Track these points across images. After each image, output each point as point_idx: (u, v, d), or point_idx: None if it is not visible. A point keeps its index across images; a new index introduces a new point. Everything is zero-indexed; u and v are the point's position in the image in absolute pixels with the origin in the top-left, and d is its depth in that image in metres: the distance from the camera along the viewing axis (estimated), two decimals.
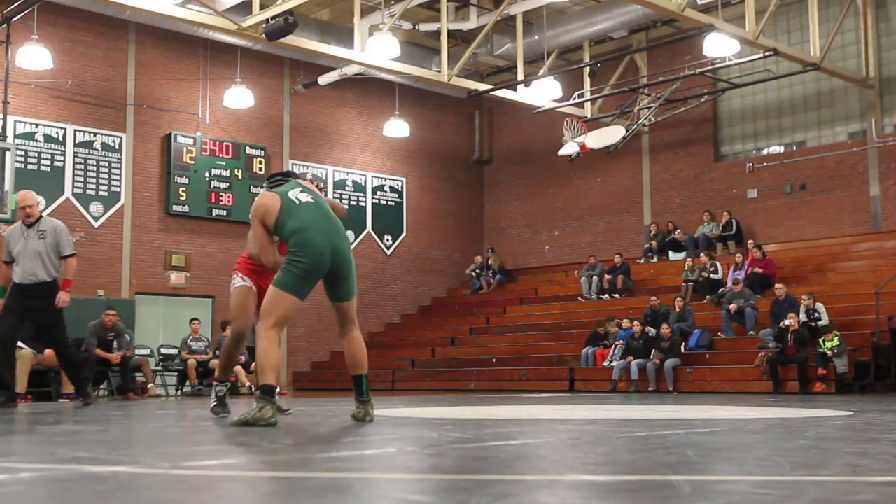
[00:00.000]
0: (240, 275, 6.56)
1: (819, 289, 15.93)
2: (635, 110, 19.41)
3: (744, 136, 19.49)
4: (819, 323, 13.63)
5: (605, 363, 15.60)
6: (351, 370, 5.73)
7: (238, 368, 15.40)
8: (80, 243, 17.10)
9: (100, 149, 17.49)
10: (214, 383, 6.77)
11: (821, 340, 13.27)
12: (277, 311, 5.44)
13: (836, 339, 13.18)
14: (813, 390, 12.96)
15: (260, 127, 19.58)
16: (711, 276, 16.90)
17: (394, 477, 3.03)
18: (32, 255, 8.88)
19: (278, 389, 6.44)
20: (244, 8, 14.93)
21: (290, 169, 6.74)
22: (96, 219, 17.31)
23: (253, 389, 15.43)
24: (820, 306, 13.86)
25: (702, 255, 17.49)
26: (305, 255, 5.40)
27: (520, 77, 17.92)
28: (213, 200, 18.57)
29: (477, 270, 21.73)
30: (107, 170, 17.53)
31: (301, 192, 5.69)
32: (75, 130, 17.22)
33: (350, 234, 20.52)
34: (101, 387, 13.74)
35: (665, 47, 18.65)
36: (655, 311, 15.59)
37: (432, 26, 17.93)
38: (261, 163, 19.24)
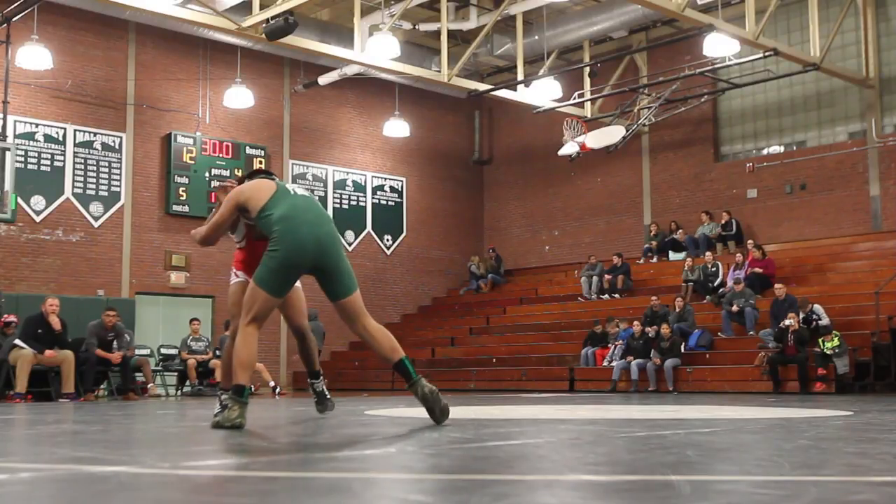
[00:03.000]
0: (234, 270, 6.32)
1: (819, 289, 15.95)
2: (635, 110, 19.41)
3: (744, 136, 19.48)
4: (819, 323, 13.64)
5: (605, 363, 15.61)
6: (389, 359, 5.27)
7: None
8: (80, 243, 17.14)
9: (100, 149, 17.49)
10: (219, 391, 6.45)
11: (821, 340, 13.27)
12: (254, 307, 5.17)
13: (836, 339, 13.17)
14: (813, 390, 12.96)
15: (260, 127, 19.58)
16: (711, 278, 16.90)
17: (394, 477, 3.03)
18: None
19: (251, 389, 6.32)
20: (244, 8, 14.93)
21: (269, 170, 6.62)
22: (96, 219, 17.31)
23: (253, 389, 15.45)
24: (818, 308, 13.85)
25: (706, 254, 17.46)
26: (283, 245, 5.09)
27: (520, 77, 17.92)
28: (213, 200, 18.51)
29: (477, 273, 21.70)
30: (107, 170, 17.53)
31: (297, 187, 5.56)
32: (75, 130, 17.22)
33: (350, 234, 20.55)
34: (102, 387, 13.75)
35: (665, 47, 18.65)
36: (655, 312, 15.59)
37: (432, 26, 17.93)
38: (261, 163, 19.24)
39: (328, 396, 6.74)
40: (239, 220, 5.92)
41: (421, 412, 5.37)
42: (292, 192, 5.36)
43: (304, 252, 5.12)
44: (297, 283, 6.24)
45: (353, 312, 5.35)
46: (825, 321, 13.67)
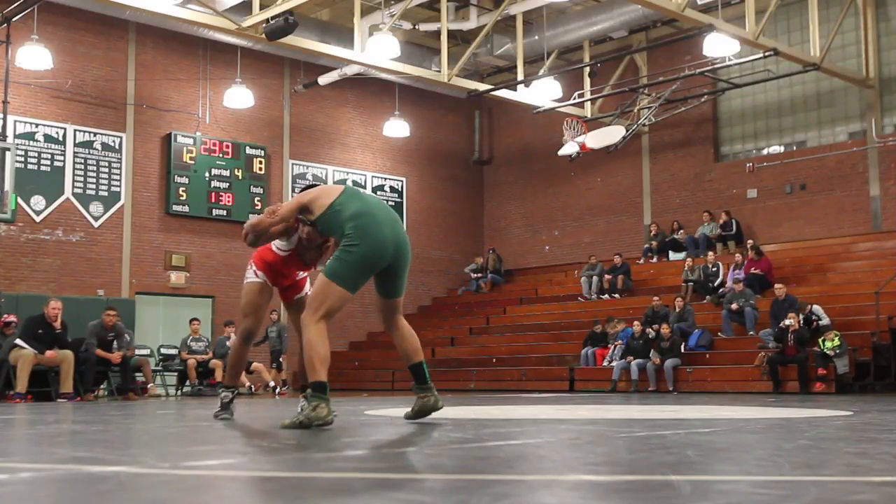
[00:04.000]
0: (254, 268, 6.02)
1: (819, 289, 15.95)
2: (635, 110, 19.41)
3: (744, 136, 19.48)
4: (820, 323, 13.64)
5: (605, 363, 15.61)
6: (409, 359, 5.42)
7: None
8: (80, 243, 17.14)
9: (100, 149, 17.49)
10: (221, 389, 6.36)
11: (821, 340, 13.28)
12: (326, 303, 5.02)
13: (836, 339, 13.17)
14: (813, 390, 12.96)
15: (260, 127, 19.58)
16: (711, 278, 16.90)
17: (394, 477, 3.03)
18: None
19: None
20: (244, 8, 14.93)
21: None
22: (96, 219, 17.31)
23: (253, 389, 15.46)
24: (817, 308, 13.86)
25: (707, 254, 17.46)
26: (363, 241, 4.97)
27: (520, 77, 17.92)
28: (213, 200, 18.57)
29: (478, 273, 21.70)
30: (107, 170, 17.53)
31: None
32: (75, 130, 17.22)
33: None
34: (102, 387, 13.75)
35: (665, 47, 18.65)
36: (655, 312, 15.59)
37: (432, 26, 17.93)
38: (261, 163, 19.25)
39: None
40: (296, 228, 5.76)
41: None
42: (361, 191, 5.34)
43: (384, 251, 5.06)
44: (310, 291, 6.27)
45: (396, 310, 5.42)
46: (825, 321, 13.68)
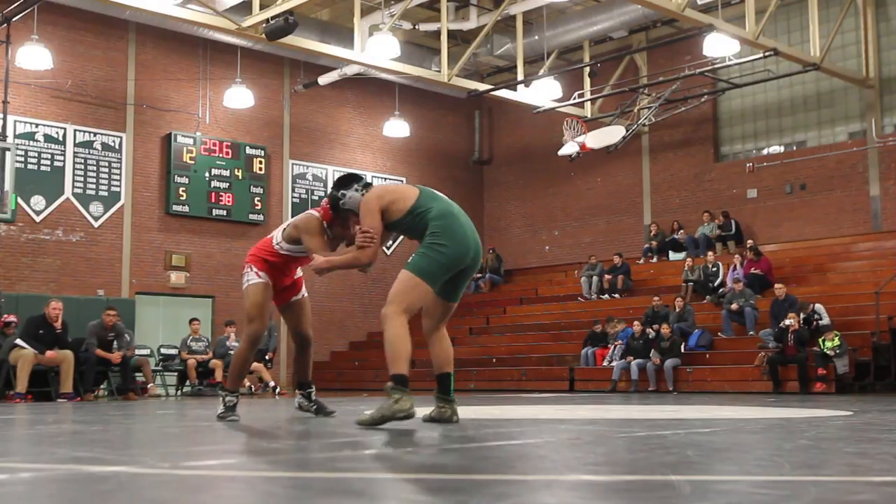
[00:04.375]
0: (254, 269, 5.86)
1: (819, 289, 15.95)
2: (635, 110, 19.41)
3: (744, 136, 19.48)
4: (820, 322, 13.64)
5: (605, 363, 15.61)
6: (441, 368, 5.44)
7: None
8: (80, 243, 17.13)
9: (100, 149, 17.49)
10: (223, 393, 6.09)
11: (821, 340, 13.28)
12: (409, 297, 5.02)
13: (836, 339, 13.17)
14: (813, 390, 12.96)
15: (260, 127, 19.58)
16: (711, 278, 16.90)
17: (394, 477, 3.03)
18: None
19: (314, 390, 6.28)
20: (244, 8, 14.93)
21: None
22: (96, 219, 17.31)
23: (253, 390, 15.46)
24: (819, 307, 13.86)
25: (707, 254, 17.46)
26: (449, 241, 4.99)
27: (520, 77, 17.92)
28: (213, 200, 18.57)
29: (478, 274, 21.69)
30: (107, 170, 17.53)
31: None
32: (75, 130, 17.22)
33: None
34: (101, 387, 13.75)
35: (665, 47, 18.65)
36: (655, 312, 15.59)
37: (432, 26, 17.93)
38: (261, 163, 19.24)
39: (324, 406, 6.45)
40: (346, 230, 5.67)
41: (421, 412, 5.37)
42: (437, 193, 5.31)
43: (467, 252, 5.08)
44: (306, 294, 6.25)
45: (448, 315, 5.45)
46: (826, 321, 13.69)
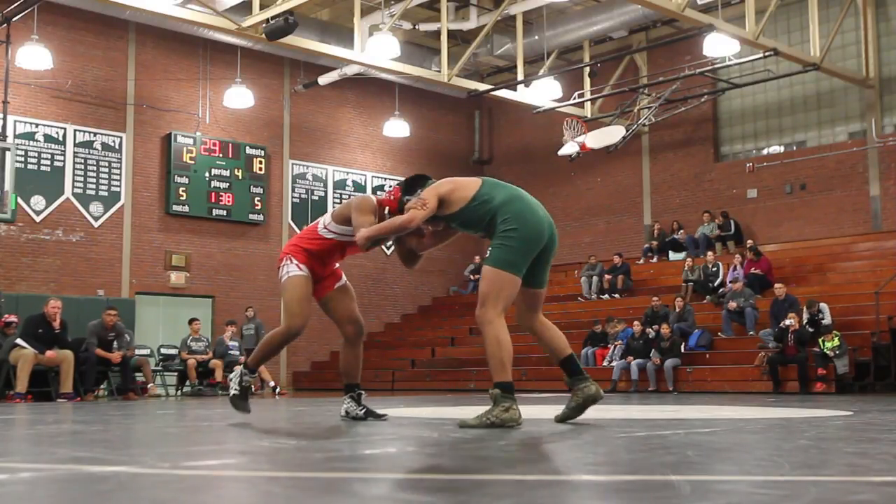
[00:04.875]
0: (294, 261, 5.46)
1: (819, 289, 15.95)
2: (635, 110, 19.41)
3: (744, 136, 19.49)
4: (822, 322, 13.64)
5: (605, 363, 15.61)
6: (561, 353, 5.28)
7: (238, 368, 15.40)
8: (80, 243, 17.13)
9: (100, 149, 17.49)
10: (242, 370, 5.76)
11: (821, 341, 13.28)
12: (502, 293, 4.89)
13: (836, 339, 13.18)
14: (813, 390, 12.96)
15: (260, 127, 19.58)
16: (711, 278, 16.90)
17: (394, 477, 3.03)
18: None
19: (363, 393, 5.81)
20: (244, 8, 14.93)
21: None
22: (96, 219, 17.31)
23: (254, 390, 15.44)
24: (824, 306, 13.86)
25: (707, 254, 17.46)
26: (521, 224, 4.87)
27: (520, 77, 17.92)
28: (213, 200, 18.57)
29: (478, 275, 21.67)
30: (107, 170, 17.53)
31: None
32: (75, 130, 17.22)
33: None
34: (102, 387, 13.75)
35: (665, 47, 18.65)
36: (655, 312, 15.59)
37: (432, 26, 17.93)
38: (261, 163, 19.25)
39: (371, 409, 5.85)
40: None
41: (421, 412, 5.37)
42: (499, 181, 5.20)
43: (542, 231, 4.99)
44: (345, 278, 5.80)
45: (540, 302, 5.28)
46: (828, 320, 13.69)
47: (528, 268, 5.01)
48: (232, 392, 5.78)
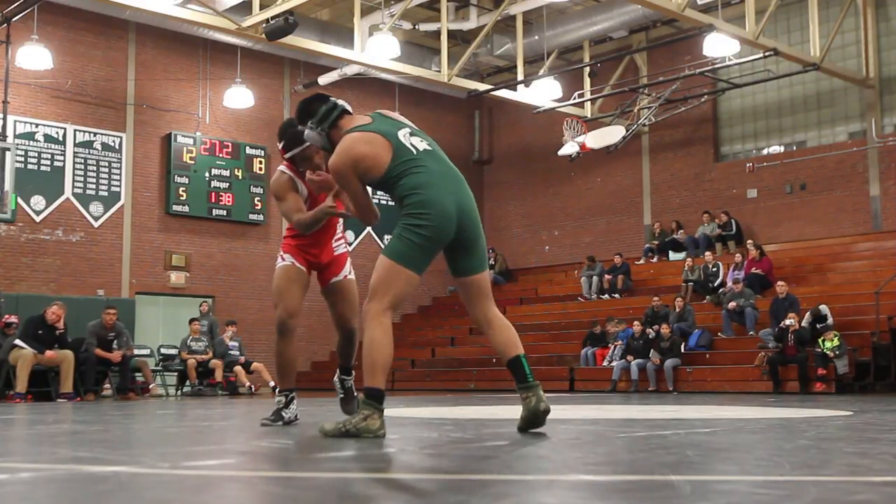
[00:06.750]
0: (281, 253, 5.34)
1: (819, 289, 15.95)
2: (635, 110, 19.41)
3: (744, 136, 19.49)
4: (826, 322, 13.66)
5: (605, 363, 15.61)
6: (506, 353, 4.58)
7: (238, 368, 15.40)
8: (80, 243, 17.13)
9: (100, 149, 17.48)
10: (276, 395, 5.58)
11: (821, 341, 13.28)
12: (392, 289, 4.35)
13: (836, 339, 13.18)
14: (813, 390, 12.96)
15: (260, 127, 19.57)
16: (711, 278, 16.90)
17: (394, 477, 3.03)
18: None
19: (351, 377, 5.54)
20: (244, 8, 14.93)
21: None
22: (96, 219, 17.30)
23: (254, 390, 15.45)
24: (824, 307, 13.87)
25: (706, 254, 17.46)
26: (429, 219, 4.29)
27: (520, 77, 17.92)
28: (213, 200, 18.57)
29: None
30: (107, 170, 17.53)
31: (412, 135, 4.49)
32: (75, 130, 17.22)
33: (350, 235, 20.53)
34: (105, 386, 13.74)
35: (665, 47, 18.65)
36: (655, 312, 15.59)
37: (432, 26, 17.93)
38: (261, 163, 19.24)
39: (355, 395, 5.72)
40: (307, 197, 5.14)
41: (421, 412, 5.36)
42: (413, 150, 4.41)
43: (450, 226, 4.35)
44: (351, 275, 5.48)
45: (483, 290, 4.59)
46: (829, 321, 13.70)
47: (451, 257, 4.54)
48: (279, 416, 5.41)
